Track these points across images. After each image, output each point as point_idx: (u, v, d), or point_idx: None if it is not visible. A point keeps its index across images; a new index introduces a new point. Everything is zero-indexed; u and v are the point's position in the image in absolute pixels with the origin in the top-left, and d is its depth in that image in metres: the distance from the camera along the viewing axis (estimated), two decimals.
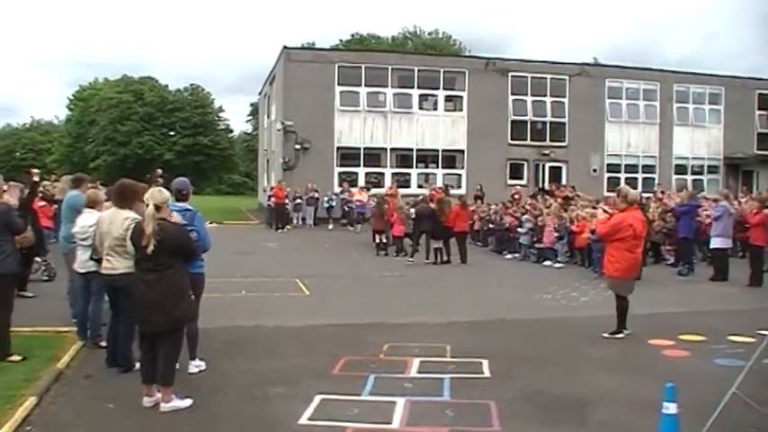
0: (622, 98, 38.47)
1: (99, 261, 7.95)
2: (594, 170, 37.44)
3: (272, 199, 31.20)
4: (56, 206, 16.94)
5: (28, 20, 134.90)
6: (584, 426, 6.45)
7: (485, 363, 8.51)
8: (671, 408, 5.61)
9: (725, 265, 16.45)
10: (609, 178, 36.96)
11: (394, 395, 7.26)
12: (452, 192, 28.37)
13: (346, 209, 31.30)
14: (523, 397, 7.25)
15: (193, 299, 7.16)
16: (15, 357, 8.29)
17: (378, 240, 22.00)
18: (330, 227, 30.04)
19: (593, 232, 15.29)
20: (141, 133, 70.71)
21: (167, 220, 6.90)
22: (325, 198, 32.01)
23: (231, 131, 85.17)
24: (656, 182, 36.53)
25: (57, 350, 8.85)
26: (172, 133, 74.55)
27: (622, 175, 37.40)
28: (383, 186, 33.39)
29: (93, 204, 9.12)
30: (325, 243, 24.64)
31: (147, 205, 6.84)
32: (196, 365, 8.17)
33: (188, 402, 6.88)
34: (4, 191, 9.30)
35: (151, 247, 6.66)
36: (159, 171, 14.77)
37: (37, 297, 12.48)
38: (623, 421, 6.54)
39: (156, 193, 6.94)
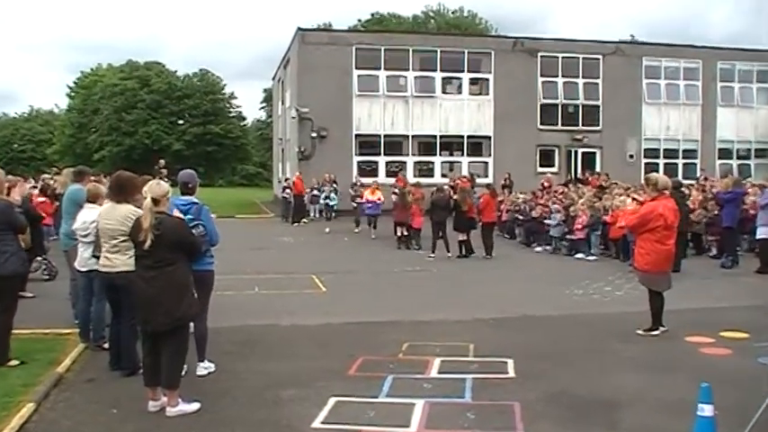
0: (661, 78, 38.17)
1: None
2: (631, 156, 37.21)
3: (289, 191, 31.22)
4: (56, 201, 17.16)
5: (24, 1, 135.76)
6: (614, 429, 6.46)
7: (509, 362, 8.53)
8: (706, 410, 5.58)
9: None
10: (647, 164, 36.61)
11: (413, 397, 7.30)
12: (478, 181, 28.44)
13: (354, 205, 28.36)
14: (549, 398, 7.27)
15: (195, 297, 7.18)
16: (13, 362, 8.36)
17: (399, 233, 22.04)
18: (327, 230, 27.16)
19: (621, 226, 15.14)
20: (148, 122, 71.10)
21: (167, 214, 6.97)
22: (324, 193, 31.31)
23: (244, 119, 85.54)
24: (698, 168, 36.26)
25: (57, 353, 8.94)
26: (181, 122, 74.96)
27: (661, 161, 37.22)
28: (406, 175, 33.43)
29: (94, 199, 9.15)
30: (344, 237, 24.76)
31: (145, 198, 6.91)
32: (205, 367, 8.24)
33: (195, 406, 6.95)
34: (11, 187, 9.38)
35: (149, 242, 6.72)
36: (162, 162, 14.90)
37: (37, 297, 12.55)
38: (655, 424, 6.53)
39: (154, 186, 7.04)
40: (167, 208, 7.08)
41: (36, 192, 18.87)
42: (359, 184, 30.29)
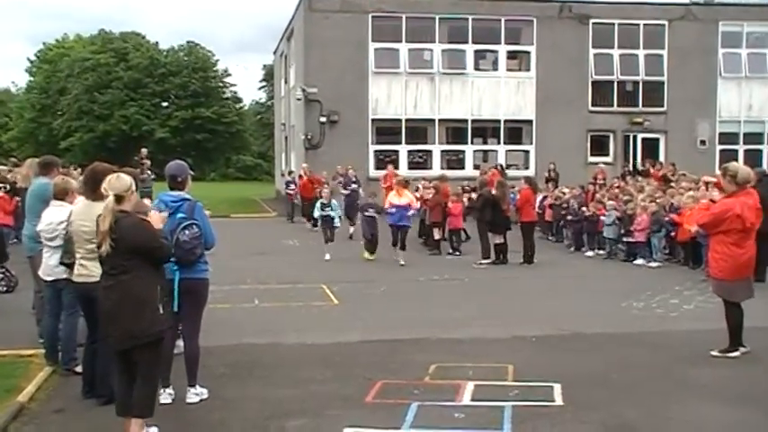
0: (742, 47, 37.71)
1: (70, 266, 8.01)
2: (703, 142, 37.00)
3: (294, 187, 31.03)
4: (17, 198, 17.23)
5: None
6: None
7: (556, 388, 8.54)
8: None
9: None
10: (722, 152, 36.38)
11: (442, 428, 7.34)
12: (518, 173, 28.39)
13: (368, 215, 21.10)
14: None
15: (162, 312, 6.98)
16: None
17: (438, 236, 22.15)
18: (327, 256, 20.47)
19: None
20: (125, 104, 71.42)
21: (129, 213, 6.86)
22: (320, 203, 21.64)
23: (240, 101, 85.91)
24: None
25: (18, 379, 8.92)
26: (165, 104, 75.39)
27: (741, 148, 37.03)
28: (431, 168, 33.50)
29: (62, 195, 9.10)
30: (360, 240, 24.79)
31: (106, 196, 6.84)
32: (196, 393, 8.28)
33: None
34: None
35: (106, 247, 6.67)
36: (144, 151, 15.06)
37: None
38: None
39: (113, 181, 6.94)
40: (132, 206, 6.98)
41: None
42: (371, 194, 24.09)
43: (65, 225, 8.25)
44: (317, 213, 21.37)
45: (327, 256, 20.26)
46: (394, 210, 20.06)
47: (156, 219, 7.25)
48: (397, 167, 32.20)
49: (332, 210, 21.07)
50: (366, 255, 20.62)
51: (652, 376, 9.28)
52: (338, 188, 27.36)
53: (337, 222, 21.30)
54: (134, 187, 7.05)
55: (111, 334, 6.90)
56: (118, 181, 6.94)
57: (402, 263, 19.28)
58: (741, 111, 37.82)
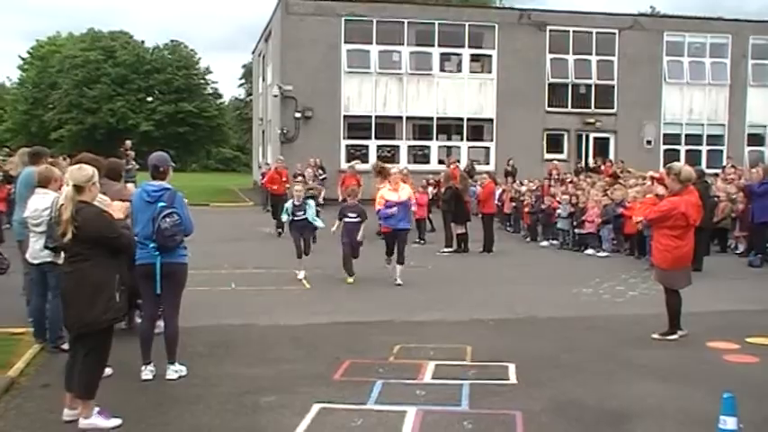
0: (684, 55, 38.18)
1: (55, 250, 7.94)
2: (649, 142, 37.31)
3: (265, 183, 30.83)
4: (10, 185, 17.09)
5: None
6: None
7: (511, 367, 8.57)
8: (729, 422, 5.64)
9: None
10: (666, 151, 36.82)
11: (404, 404, 7.34)
12: (478, 168, 28.49)
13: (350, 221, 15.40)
14: (555, 408, 7.32)
15: (117, 300, 6.83)
16: None
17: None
18: (300, 274, 15.10)
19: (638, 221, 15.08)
20: (113, 99, 71.00)
21: (89, 203, 6.74)
22: (289, 204, 15.72)
23: (220, 97, 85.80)
24: (725, 155, 36.32)
25: (9, 355, 8.88)
26: (149, 99, 75.02)
27: (683, 148, 37.37)
28: (399, 162, 33.47)
29: (45, 183, 9.02)
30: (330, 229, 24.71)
31: (67, 185, 6.71)
32: (175, 371, 8.25)
33: (114, 423, 6.80)
34: None
35: (69, 235, 6.56)
36: (128, 143, 14.97)
37: None
38: None
39: (75, 171, 6.82)
40: (93, 197, 6.85)
41: None
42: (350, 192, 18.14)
43: (49, 211, 8.15)
44: (285, 218, 15.68)
45: (301, 275, 14.92)
46: (391, 209, 14.82)
47: (117, 208, 7.19)
48: (366, 161, 31.17)
49: (305, 211, 15.23)
50: (347, 279, 14.72)
51: (598, 357, 9.35)
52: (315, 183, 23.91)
53: (320, 223, 15.67)
54: (95, 179, 6.87)
55: (66, 317, 6.86)
56: (79, 172, 6.80)
57: (399, 281, 14.43)
58: (683, 114, 38.22)
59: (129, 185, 10.46)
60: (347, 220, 15.25)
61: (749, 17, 38.82)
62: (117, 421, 6.80)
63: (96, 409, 6.79)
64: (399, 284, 14.31)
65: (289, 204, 15.53)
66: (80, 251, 6.63)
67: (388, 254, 15.38)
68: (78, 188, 6.66)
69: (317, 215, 16.15)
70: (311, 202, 15.83)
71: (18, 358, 8.74)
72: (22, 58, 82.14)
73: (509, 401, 7.46)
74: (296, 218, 15.19)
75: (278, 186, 25.13)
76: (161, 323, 8.43)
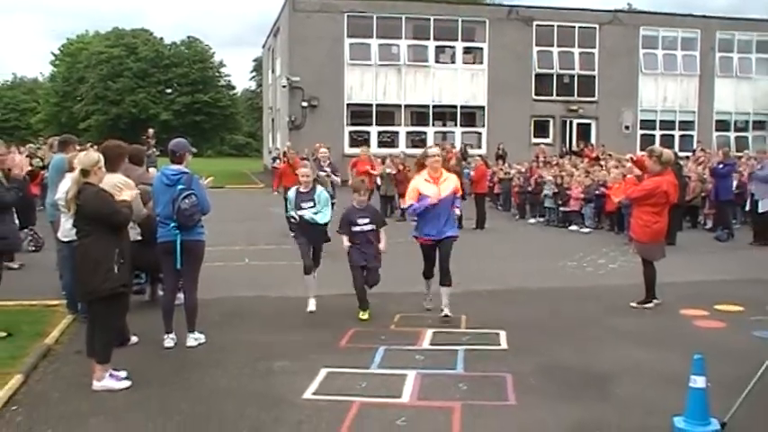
0: (658, 48, 38.25)
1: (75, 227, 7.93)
2: (627, 127, 37.31)
3: (278, 162, 30.58)
4: (44, 171, 17.09)
5: None
6: (605, 401, 6.53)
7: (502, 334, 8.60)
8: (699, 381, 5.68)
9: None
10: (642, 136, 36.84)
11: (405, 368, 7.37)
12: (471, 152, 28.46)
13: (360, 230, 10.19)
14: (542, 370, 7.34)
15: (117, 272, 6.82)
16: (0, 334, 8.37)
17: (405, 205, 22.03)
18: (311, 305, 10.14)
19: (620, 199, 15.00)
20: (135, 91, 70.73)
21: (92, 184, 6.79)
22: (293, 192, 10.50)
23: (233, 88, 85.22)
24: (695, 140, 36.32)
25: (45, 325, 8.95)
26: (168, 91, 74.71)
27: (657, 133, 37.34)
28: (398, 146, 33.40)
29: (73, 168, 9.03)
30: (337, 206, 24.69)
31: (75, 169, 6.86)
32: (195, 338, 8.30)
33: (124, 384, 6.87)
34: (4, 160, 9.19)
35: (73, 211, 6.74)
36: (151, 131, 14.87)
37: (24, 269, 12.63)
38: (648, 397, 6.61)
39: (82, 157, 7.02)
40: (99, 179, 6.89)
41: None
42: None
43: None
44: (291, 211, 10.23)
45: (311, 305, 10.05)
46: (431, 202, 9.60)
47: (126, 191, 7.25)
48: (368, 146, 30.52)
49: (314, 205, 10.00)
50: (360, 313, 9.70)
51: (582, 324, 9.38)
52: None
53: (323, 217, 10.11)
54: (101, 163, 6.94)
55: (76, 288, 7.03)
56: (86, 157, 6.98)
57: (447, 312, 9.54)
58: (658, 102, 38.33)
59: (152, 170, 10.40)
60: (356, 229, 9.75)
61: (716, 14, 38.91)
62: (127, 383, 6.89)
63: (108, 371, 6.85)
64: (448, 317, 9.35)
65: (292, 194, 10.10)
66: (83, 227, 6.78)
67: (426, 274, 10.17)
68: (84, 171, 6.77)
69: (332, 203, 11.53)
70: (320, 190, 10.22)
71: (53, 328, 8.81)
72: (54, 55, 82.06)
73: (500, 365, 7.48)
74: (303, 210, 9.86)
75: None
76: (181, 295, 8.43)
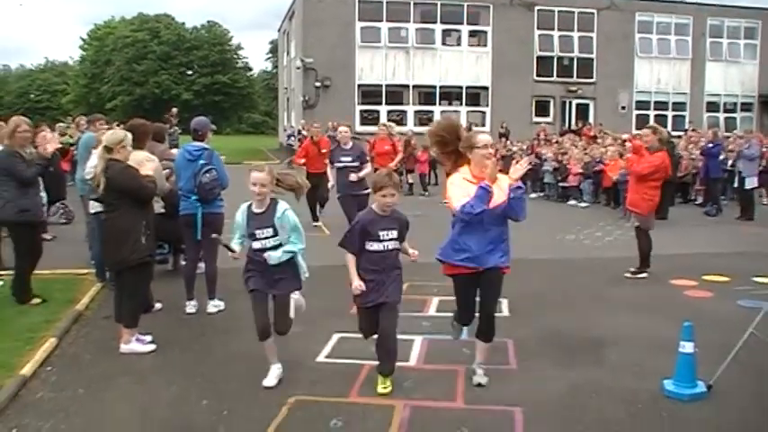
0: (653, 33, 38.02)
1: (98, 201, 7.94)
2: (623, 108, 37.14)
3: (293, 138, 30.50)
4: (73, 147, 17.19)
5: None
6: (600, 365, 6.57)
7: (504, 302, 8.57)
8: (687, 347, 5.73)
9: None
10: (638, 116, 36.65)
11: (412, 334, 7.38)
12: (476, 130, 28.36)
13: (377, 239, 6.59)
14: (541, 336, 7.38)
15: (144, 242, 6.85)
16: (35, 300, 8.44)
17: (411, 180, 22.43)
18: (273, 371, 6.39)
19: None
20: (158, 73, 71.02)
21: (118, 161, 6.80)
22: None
23: (250, 70, 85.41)
24: (687, 120, 36.21)
25: (76, 292, 9.04)
26: (189, 72, 74.76)
27: (651, 113, 37.09)
28: (406, 125, 33.33)
29: (98, 145, 9.02)
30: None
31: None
32: (215, 305, 8.36)
33: (150, 348, 6.93)
34: (36, 137, 9.18)
35: (103, 186, 6.74)
36: (174, 110, 14.79)
37: (56, 240, 12.70)
38: (640, 360, 6.63)
39: (109, 135, 7.08)
40: (124, 156, 6.88)
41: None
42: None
43: None
44: (237, 240, 6.49)
45: (271, 378, 6.17)
46: (483, 206, 5.87)
47: (151, 166, 7.28)
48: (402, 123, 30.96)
49: (275, 234, 6.37)
50: (380, 386, 5.95)
51: (580, 293, 9.41)
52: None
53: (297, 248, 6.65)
54: (126, 142, 6.93)
55: (104, 257, 7.21)
56: (111, 135, 7.04)
57: (481, 381, 6.12)
58: (652, 84, 38.14)
59: (174, 150, 10.39)
60: (375, 247, 6.20)
61: (707, 1, 38.64)
62: (152, 346, 6.96)
63: (135, 336, 6.91)
64: (482, 385, 6.09)
65: (241, 215, 6.39)
66: (111, 201, 6.81)
67: (462, 319, 6.53)
68: (108, 148, 6.80)
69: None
70: (283, 210, 6.42)
71: (83, 295, 8.90)
72: (83, 40, 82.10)
73: (502, 331, 7.41)
74: (258, 240, 6.29)
75: (316, 162, 14.63)
76: (202, 265, 8.48)
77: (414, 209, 12.70)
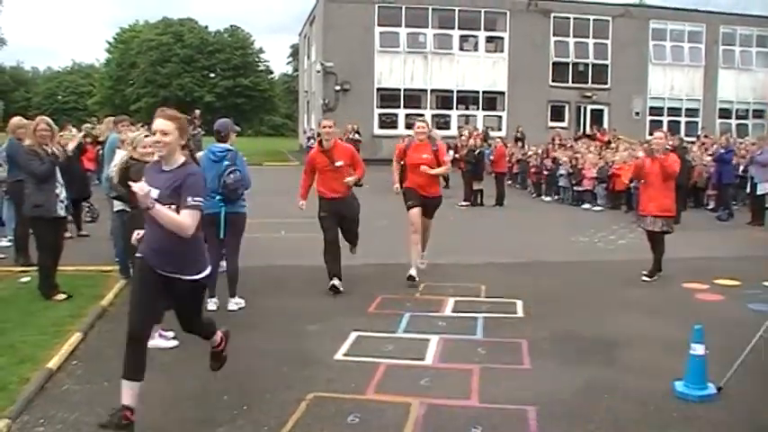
0: (667, 40, 37.82)
1: (118, 199, 8.01)
2: (637, 113, 37.00)
3: (313, 141, 30.53)
4: (98, 146, 17.33)
5: None
6: (612, 366, 6.54)
7: (518, 303, 8.61)
8: (698, 349, 5.71)
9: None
10: (651, 121, 36.48)
11: (428, 333, 7.40)
12: (492, 134, 28.37)
13: None
14: (555, 337, 7.35)
15: None
16: (61, 296, 8.50)
17: None
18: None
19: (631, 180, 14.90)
20: (181, 75, 71.33)
21: (139, 160, 6.87)
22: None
23: (271, 73, 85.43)
24: (700, 126, 36.04)
25: (101, 288, 9.08)
26: (212, 75, 75.03)
27: (665, 119, 36.98)
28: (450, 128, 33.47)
29: (121, 144, 9.04)
30: (366, 185, 24.69)
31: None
32: (236, 303, 8.39)
33: (172, 344, 6.96)
34: (52, 136, 9.26)
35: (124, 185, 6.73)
36: (197, 112, 14.83)
37: (81, 238, 12.80)
38: (651, 362, 6.60)
39: (131, 135, 7.47)
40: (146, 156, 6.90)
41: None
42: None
43: None
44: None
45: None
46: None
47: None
48: (396, 128, 31.56)
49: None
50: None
51: (593, 294, 9.37)
52: None
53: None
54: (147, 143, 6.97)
55: (129, 255, 7.25)
56: (134, 135, 7.31)
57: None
58: (665, 90, 37.92)
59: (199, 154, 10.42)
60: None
61: (720, 10, 38.62)
62: (174, 342, 6.98)
63: (158, 331, 6.91)
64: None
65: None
66: (134, 199, 6.75)
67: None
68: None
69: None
70: None
71: (108, 291, 8.94)
72: (109, 43, 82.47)
73: (516, 332, 7.50)
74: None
75: (331, 180, 11.35)
76: (224, 263, 8.52)
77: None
